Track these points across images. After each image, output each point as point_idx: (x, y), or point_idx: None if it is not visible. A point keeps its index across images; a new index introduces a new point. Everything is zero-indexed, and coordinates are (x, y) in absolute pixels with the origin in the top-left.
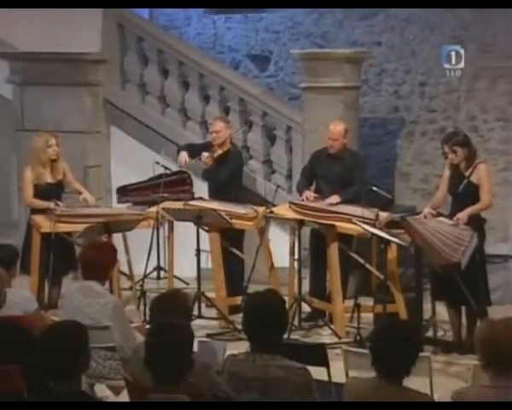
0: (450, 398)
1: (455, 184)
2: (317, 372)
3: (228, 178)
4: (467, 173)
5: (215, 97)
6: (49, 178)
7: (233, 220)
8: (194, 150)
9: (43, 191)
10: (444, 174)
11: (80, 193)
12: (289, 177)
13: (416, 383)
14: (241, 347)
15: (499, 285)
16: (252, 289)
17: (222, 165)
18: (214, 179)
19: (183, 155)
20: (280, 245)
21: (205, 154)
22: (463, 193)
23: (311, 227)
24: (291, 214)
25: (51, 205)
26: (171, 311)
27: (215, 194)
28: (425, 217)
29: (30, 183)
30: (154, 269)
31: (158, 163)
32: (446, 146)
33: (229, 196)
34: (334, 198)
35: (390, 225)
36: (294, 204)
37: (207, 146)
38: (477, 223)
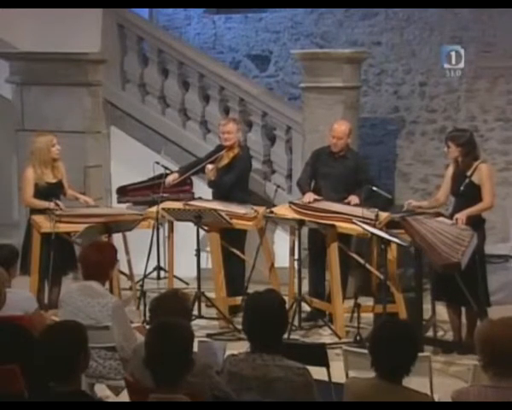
0: (450, 398)
1: (457, 183)
2: (317, 372)
3: (231, 185)
4: (468, 173)
5: (215, 97)
6: (49, 178)
7: (233, 220)
8: (195, 166)
9: (43, 191)
10: (446, 173)
11: (76, 198)
12: (289, 177)
13: (415, 383)
14: (241, 347)
15: (499, 285)
16: (252, 289)
17: (227, 173)
18: (218, 188)
19: (172, 176)
20: (280, 245)
21: (209, 166)
22: (465, 193)
23: (309, 227)
24: (291, 214)
25: (51, 205)
26: (171, 311)
27: (219, 198)
28: (409, 210)
29: (31, 183)
30: (154, 269)
31: (158, 163)
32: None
33: (233, 200)
34: (354, 199)
35: (390, 225)
36: (294, 204)
37: (214, 153)
38: (477, 223)
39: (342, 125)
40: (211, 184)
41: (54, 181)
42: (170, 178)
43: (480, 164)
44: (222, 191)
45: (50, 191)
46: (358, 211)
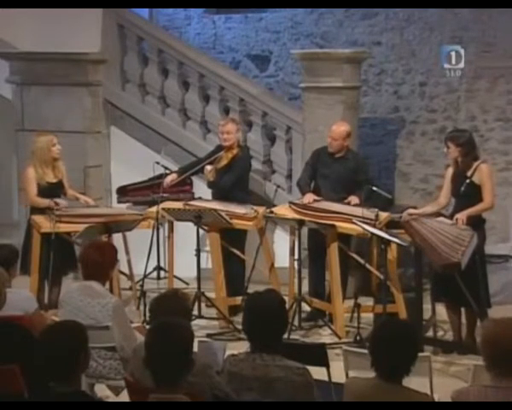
0: (450, 398)
1: (457, 184)
2: (317, 372)
3: (231, 186)
4: (468, 174)
5: (215, 97)
6: (50, 178)
7: (233, 220)
8: (195, 166)
9: (44, 190)
10: (446, 175)
11: (76, 198)
12: (289, 177)
13: (415, 383)
14: (241, 347)
15: (499, 286)
16: (252, 289)
17: (226, 173)
18: (218, 189)
19: (171, 176)
20: (280, 245)
21: (208, 167)
22: (465, 193)
23: (308, 227)
24: (291, 214)
25: (51, 204)
26: (171, 311)
27: (219, 198)
28: (406, 221)
29: (33, 182)
30: (154, 269)
31: (158, 163)
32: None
33: (233, 200)
34: (354, 199)
35: (390, 225)
36: (294, 204)
37: (213, 153)
38: (477, 223)
39: (341, 127)
40: (210, 184)
41: (54, 181)
42: (168, 179)
43: (481, 164)
44: (222, 192)
45: (51, 191)
46: (358, 211)
